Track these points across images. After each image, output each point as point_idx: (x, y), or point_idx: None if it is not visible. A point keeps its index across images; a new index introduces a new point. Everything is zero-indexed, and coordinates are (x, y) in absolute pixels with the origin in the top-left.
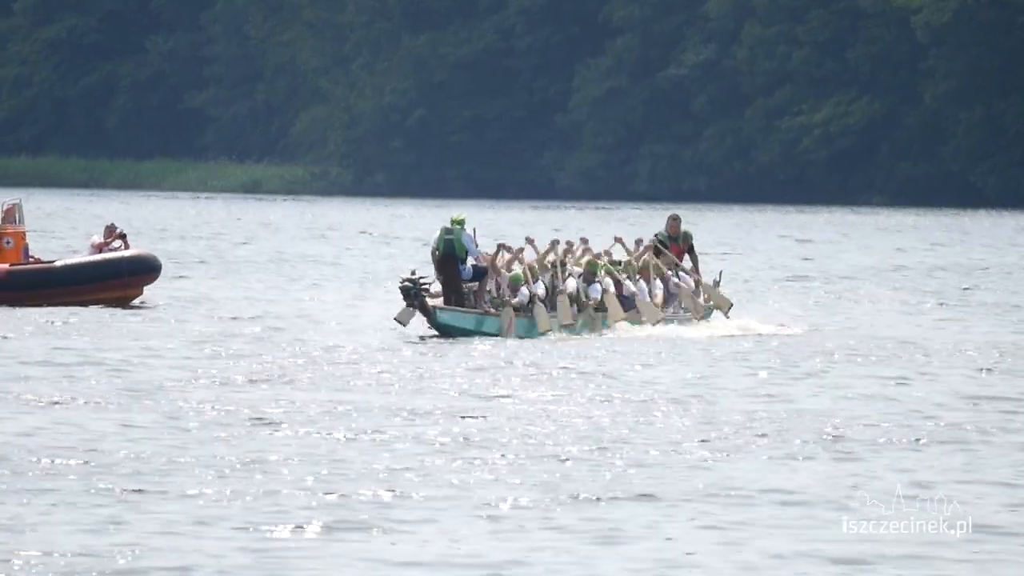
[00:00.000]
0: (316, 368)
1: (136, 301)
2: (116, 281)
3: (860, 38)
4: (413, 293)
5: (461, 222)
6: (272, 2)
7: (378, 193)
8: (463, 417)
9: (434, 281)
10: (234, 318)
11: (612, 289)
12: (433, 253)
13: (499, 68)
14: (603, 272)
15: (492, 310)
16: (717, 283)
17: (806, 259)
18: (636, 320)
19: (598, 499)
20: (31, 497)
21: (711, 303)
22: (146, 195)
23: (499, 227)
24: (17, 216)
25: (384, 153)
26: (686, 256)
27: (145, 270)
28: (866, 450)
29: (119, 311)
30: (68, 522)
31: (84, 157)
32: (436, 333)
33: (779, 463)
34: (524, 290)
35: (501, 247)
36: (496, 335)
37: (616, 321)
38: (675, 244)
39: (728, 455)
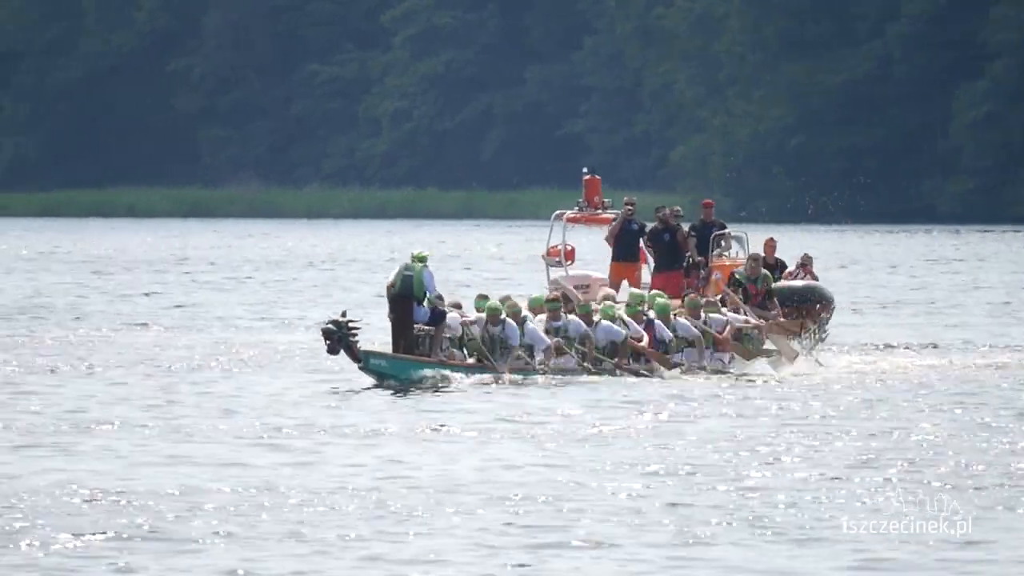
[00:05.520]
0: None
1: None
2: (784, 310)
3: None
4: (337, 337)
5: (423, 259)
6: (649, 33)
7: (759, 220)
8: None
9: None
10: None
11: (622, 332)
12: (389, 289)
13: (877, 93)
14: (618, 313)
15: (447, 357)
16: (826, 320)
17: None
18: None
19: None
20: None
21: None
22: (526, 225)
23: (870, 253)
24: (731, 245)
25: (764, 180)
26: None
27: (814, 300)
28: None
29: None
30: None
31: (461, 188)
32: (370, 378)
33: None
34: (510, 322)
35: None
36: (437, 384)
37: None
38: (753, 285)
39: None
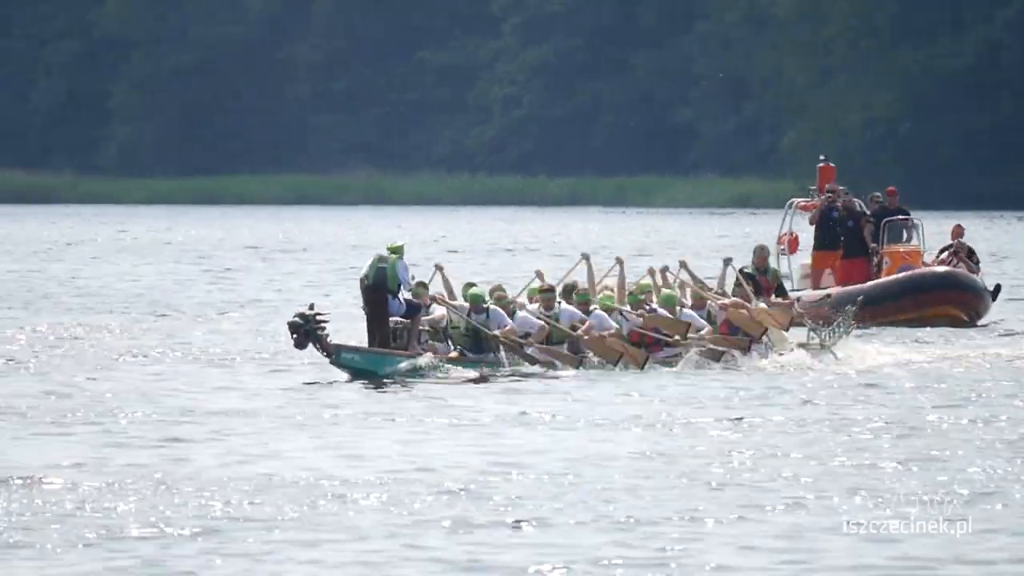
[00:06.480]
0: None
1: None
2: (919, 298)
3: None
4: (304, 331)
5: (399, 250)
6: (758, 18)
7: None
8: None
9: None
10: None
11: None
12: (362, 282)
13: (987, 80)
14: (610, 302)
15: (427, 350)
16: (852, 312)
17: None
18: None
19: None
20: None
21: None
22: (638, 211)
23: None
24: (908, 234)
25: (872, 167)
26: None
27: (947, 287)
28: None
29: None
30: None
31: (570, 175)
32: (345, 374)
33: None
34: (495, 309)
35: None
36: (416, 375)
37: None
38: (764, 277)
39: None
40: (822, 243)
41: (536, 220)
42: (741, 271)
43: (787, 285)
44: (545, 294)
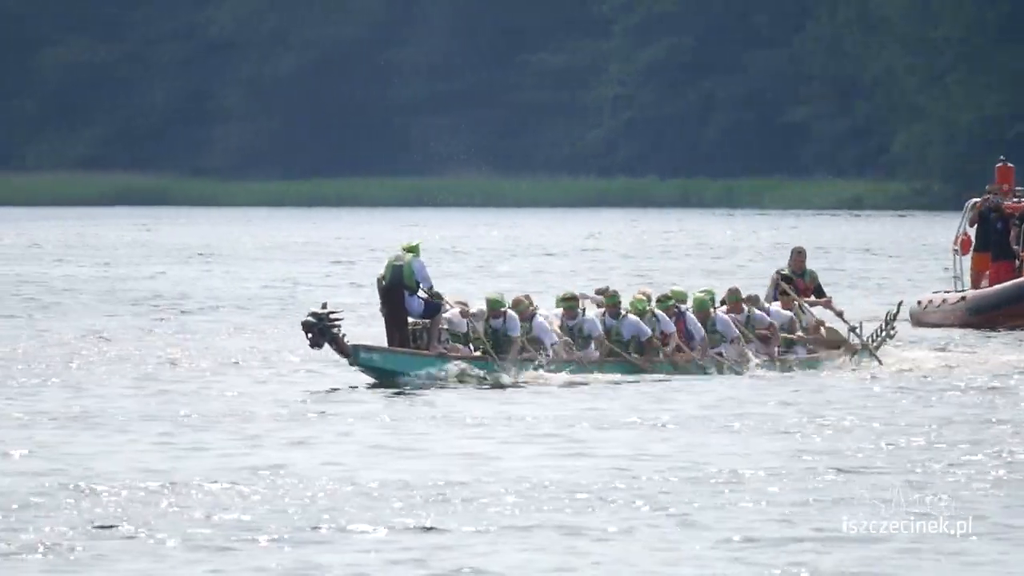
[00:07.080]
0: None
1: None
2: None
3: None
4: (318, 329)
5: (414, 249)
6: (869, 19)
7: None
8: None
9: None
10: None
11: (665, 329)
12: (379, 282)
13: None
14: (642, 307)
15: (448, 350)
16: (894, 316)
17: None
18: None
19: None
20: None
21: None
22: (760, 213)
23: None
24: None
25: (986, 168)
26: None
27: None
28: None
29: None
30: None
31: (681, 176)
32: (368, 376)
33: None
34: (511, 314)
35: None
36: (437, 379)
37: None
38: (801, 280)
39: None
40: (980, 245)
41: (662, 221)
42: (778, 273)
43: (958, 286)
44: (568, 303)
